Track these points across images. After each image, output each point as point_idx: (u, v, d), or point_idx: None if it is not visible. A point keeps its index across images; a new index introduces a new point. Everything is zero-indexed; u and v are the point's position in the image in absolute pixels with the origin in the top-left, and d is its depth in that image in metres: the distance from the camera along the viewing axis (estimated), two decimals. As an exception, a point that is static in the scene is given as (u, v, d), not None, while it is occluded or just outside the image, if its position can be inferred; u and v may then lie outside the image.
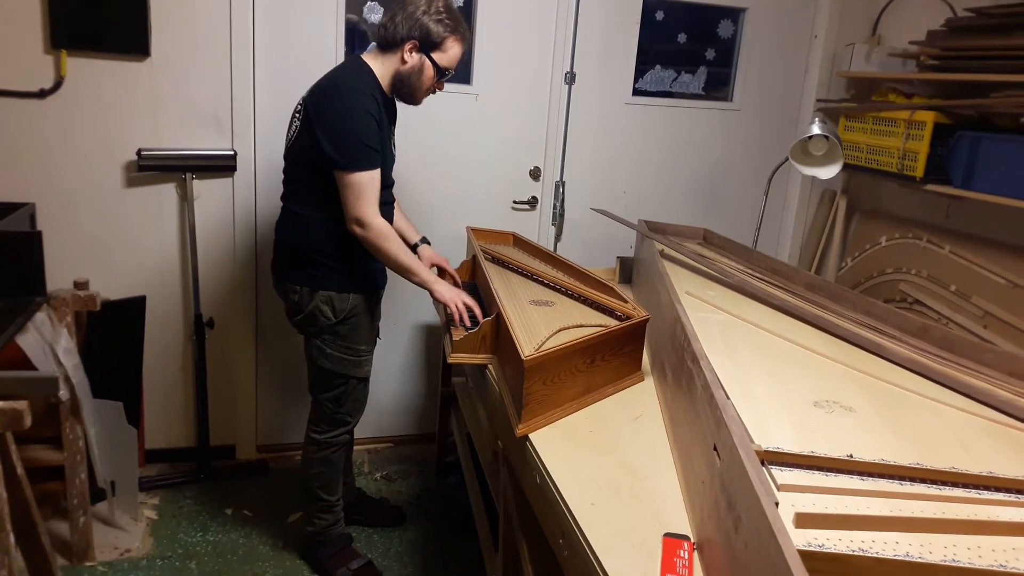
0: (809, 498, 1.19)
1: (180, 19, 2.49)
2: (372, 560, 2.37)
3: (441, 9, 1.99)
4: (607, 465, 1.46)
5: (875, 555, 1.05)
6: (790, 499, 1.17)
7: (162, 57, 2.50)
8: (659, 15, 3.07)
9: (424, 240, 2.38)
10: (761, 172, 3.20)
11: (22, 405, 1.62)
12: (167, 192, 2.62)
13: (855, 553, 1.05)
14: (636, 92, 3.11)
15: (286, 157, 2.11)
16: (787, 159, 2.77)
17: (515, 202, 3.08)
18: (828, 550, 1.06)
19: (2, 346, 1.83)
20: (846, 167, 2.84)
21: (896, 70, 3.00)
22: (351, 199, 1.95)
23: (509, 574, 1.85)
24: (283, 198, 2.15)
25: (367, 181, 1.95)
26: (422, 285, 2.07)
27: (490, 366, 1.93)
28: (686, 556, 1.18)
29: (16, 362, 1.97)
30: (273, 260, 2.20)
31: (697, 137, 3.23)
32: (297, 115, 2.06)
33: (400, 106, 2.16)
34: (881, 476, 1.26)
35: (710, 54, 3.19)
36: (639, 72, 3.10)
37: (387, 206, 2.16)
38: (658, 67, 3.14)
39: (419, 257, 2.26)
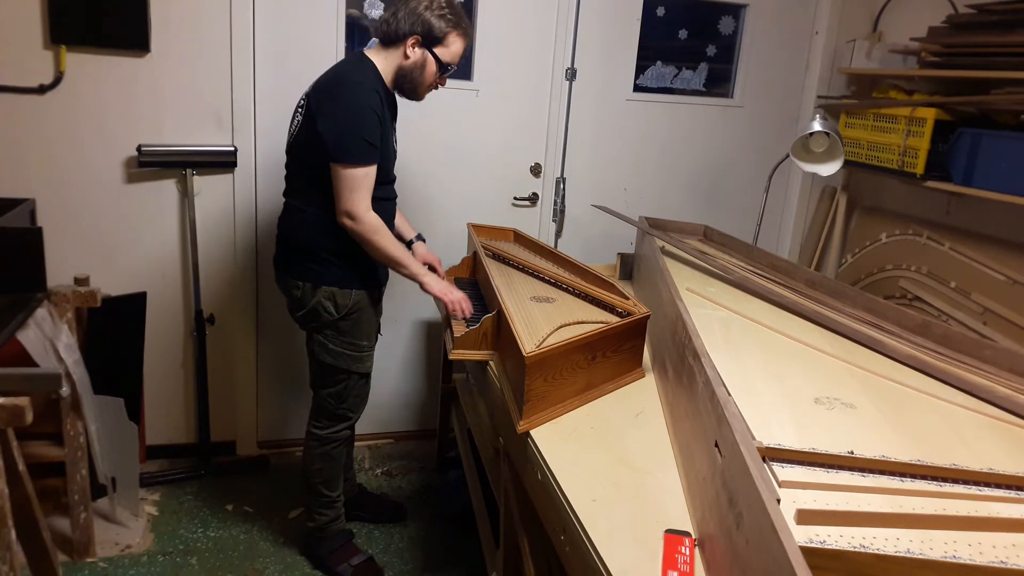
0: (810, 494, 1.19)
1: (181, 14, 2.48)
2: (373, 556, 2.37)
3: (443, 4, 2.00)
4: (608, 461, 1.47)
5: (876, 551, 1.06)
6: (791, 495, 1.18)
7: (162, 53, 2.49)
8: (660, 11, 3.06)
9: (419, 237, 2.39)
10: (762, 169, 3.20)
11: (23, 401, 1.62)
12: (167, 188, 2.62)
13: (856, 549, 1.06)
14: (637, 88, 3.11)
15: (288, 152, 2.11)
16: (788, 156, 2.77)
17: (516, 198, 3.08)
18: (829, 546, 1.06)
19: (3, 342, 1.82)
20: (847, 164, 2.84)
21: (897, 66, 3.00)
22: (344, 192, 1.95)
23: (510, 570, 1.85)
24: (285, 194, 2.15)
25: (361, 176, 1.95)
26: (412, 278, 2.08)
27: (491, 362, 1.93)
28: (687, 552, 1.18)
29: (17, 358, 1.97)
30: (275, 255, 2.20)
31: (698, 134, 3.23)
32: (300, 110, 2.06)
33: (402, 102, 2.16)
34: (882, 472, 1.26)
35: (711, 50, 3.19)
36: (640, 68, 3.09)
37: (389, 202, 2.17)
38: (659, 63, 3.13)
39: (412, 254, 2.28)
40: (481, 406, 2.32)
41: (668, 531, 1.23)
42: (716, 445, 1.21)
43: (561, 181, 3.09)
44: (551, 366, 1.61)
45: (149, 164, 2.54)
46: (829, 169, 2.73)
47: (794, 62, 3.27)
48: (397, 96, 2.13)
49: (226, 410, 2.87)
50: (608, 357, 1.76)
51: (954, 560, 1.06)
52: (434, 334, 3.11)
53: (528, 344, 1.63)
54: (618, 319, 1.88)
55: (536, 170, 3.07)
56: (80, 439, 2.20)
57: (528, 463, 1.57)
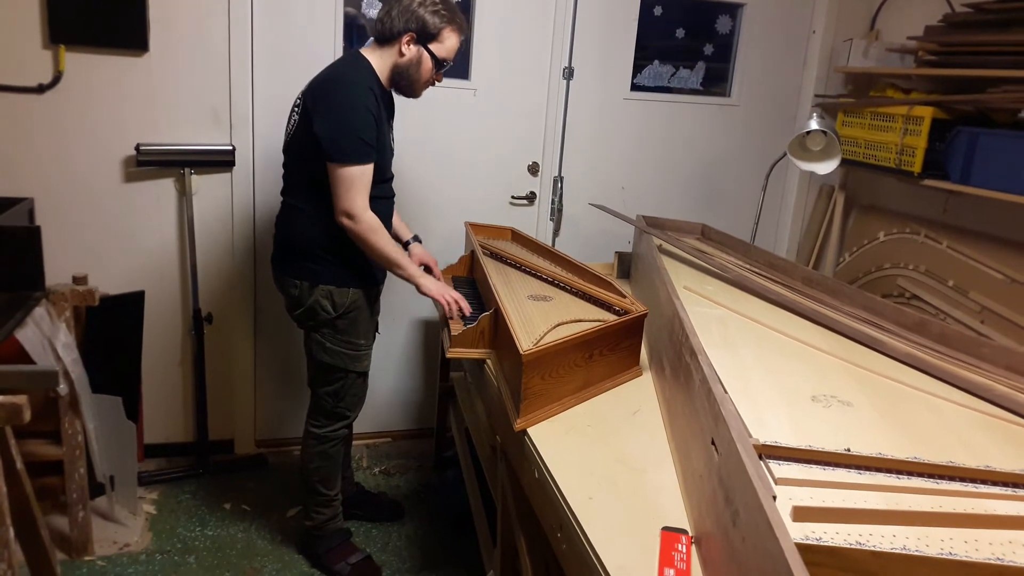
0: (807, 492, 1.19)
1: (179, 14, 2.48)
2: (371, 554, 2.38)
3: (437, 1, 2.00)
4: (605, 459, 1.47)
5: (872, 548, 1.06)
6: (788, 493, 1.18)
7: (160, 52, 2.49)
8: (657, 10, 3.07)
9: (416, 238, 2.39)
10: (759, 167, 3.20)
11: (21, 399, 1.62)
12: (165, 187, 2.62)
13: (853, 546, 1.06)
14: (634, 87, 3.11)
15: (285, 151, 2.12)
16: (785, 154, 2.77)
17: (513, 197, 3.08)
18: (826, 543, 1.06)
19: (1, 340, 1.83)
20: (844, 162, 2.85)
21: (894, 65, 3.00)
22: (341, 191, 1.95)
23: (507, 568, 1.85)
24: (283, 192, 2.16)
25: (358, 175, 1.95)
26: (408, 279, 2.08)
27: (488, 361, 1.93)
28: (684, 550, 1.18)
29: (15, 357, 1.97)
30: (273, 254, 2.20)
31: (695, 132, 3.23)
32: (296, 109, 2.06)
33: (399, 101, 2.16)
34: (878, 470, 1.26)
35: (708, 49, 3.19)
36: (637, 67, 3.10)
37: (387, 200, 2.17)
38: (656, 62, 3.14)
39: (410, 255, 2.28)
40: (479, 405, 2.32)
41: (665, 528, 1.23)
42: (713, 443, 1.21)
43: (559, 180, 3.09)
44: (548, 364, 1.61)
45: (147, 163, 2.54)
46: (826, 168, 2.74)
47: (791, 61, 3.27)
48: (395, 94, 2.14)
49: (224, 409, 2.87)
50: (605, 355, 1.76)
51: (950, 557, 1.06)
52: (432, 332, 3.11)
53: (525, 342, 1.63)
54: (615, 317, 1.88)
55: (534, 169, 3.07)
56: (78, 438, 2.20)
57: (525, 461, 1.57)
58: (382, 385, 3.05)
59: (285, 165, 2.13)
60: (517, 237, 2.65)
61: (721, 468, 1.14)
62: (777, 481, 1.21)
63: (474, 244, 2.41)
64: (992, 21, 2.52)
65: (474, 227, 2.63)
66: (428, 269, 2.31)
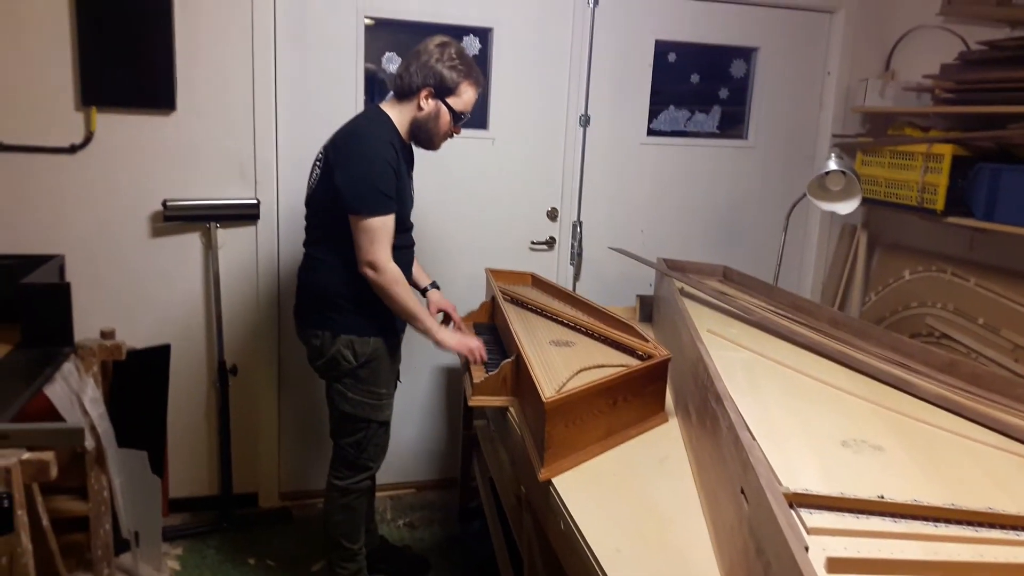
0: (840, 542, 1.15)
1: (205, 74, 2.56)
2: (396, 609, 2.33)
3: (454, 56, 2.05)
4: (633, 509, 1.44)
5: (912, 601, 1.02)
6: (820, 543, 1.14)
7: (187, 110, 2.57)
8: (672, 57, 3.11)
9: (433, 284, 2.40)
10: (779, 208, 3.19)
11: (48, 456, 1.63)
12: (192, 241, 2.67)
13: (891, 599, 1.02)
14: (651, 132, 3.14)
15: (307, 204, 2.15)
16: (804, 195, 2.77)
17: (533, 243, 3.09)
18: (862, 596, 1.03)
19: (31, 397, 1.85)
20: (865, 201, 2.83)
21: (911, 104, 3.00)
22: (364, 243, 1.98)
23: (535, 623, 1.81)
24: (305, 244, 2.19)
25: (379, 226, 1.98)
26: (425, 333, 2.09)
27: (511, 408, 1.92)
28: (716, 603, 1.15)
29: (44, 412, 1.99)
30: (295, 305, 2.23)
31: (714, 175, 3.24)
32: (318, 163, 2.10)
33: (419, 152, 2.20)
34: (914, 518, 1.22)
35: (724, 93, 3.22)
36: (653, 112, 3.13)
37: (407, 250, 2.19)
38: (672, 107, 3.17)
39: (428, 302, 2.30)
40: (503, 453, 2.30)
41: (695, 581, 1.20)
42: (742, 491, 1.18)
43: (578, 224, 3.11)
44: (572, 411, 1.59)
45: (174, 218, 2.60)
46: (847, 208, 2.72)
47: (807, 102, 3.29)
48: (414, 146, 2.18)
49: (248, 461, 2.86)
50: (630, 401, 1.74)
51: (995, 609, 1.02)
52: (454, 380, 3.10)
53: (548, 389, 1.62)
54: (639, 362, 1.86)
55: (553, 214, 3.09)
56: (104, 493, 2.21)
57: (551, 512, 1.54)
58: (405, 435, 3.04)
59: (307, 217, 2.17)
60: (537, 282, 2.65)
61: (751, 518, 1.12)
62: (809, 531, 1.18)
63: (494, 290, 2.41)
64: (1008, 58, 2.52)
65: (494, 273, 2.64)
66: (447, 315, 2.32)
